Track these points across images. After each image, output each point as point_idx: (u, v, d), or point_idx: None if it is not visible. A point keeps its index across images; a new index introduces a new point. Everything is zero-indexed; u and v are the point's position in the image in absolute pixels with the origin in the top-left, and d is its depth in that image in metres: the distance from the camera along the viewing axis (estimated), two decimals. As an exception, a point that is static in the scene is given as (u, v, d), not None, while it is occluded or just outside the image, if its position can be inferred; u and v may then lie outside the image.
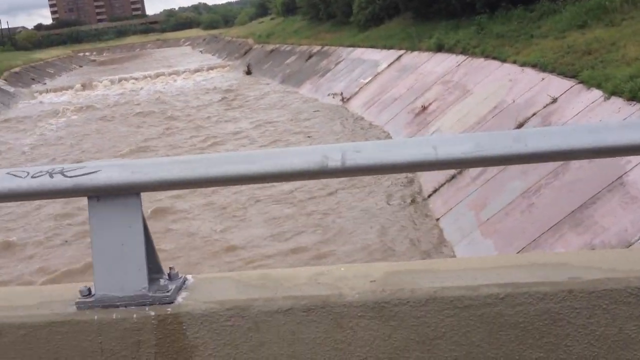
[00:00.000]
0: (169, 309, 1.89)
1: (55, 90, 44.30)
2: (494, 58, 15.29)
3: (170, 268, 2.00)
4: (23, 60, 63.85)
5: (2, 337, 1.93)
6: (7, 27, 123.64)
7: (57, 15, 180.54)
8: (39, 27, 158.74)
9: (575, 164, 7.41)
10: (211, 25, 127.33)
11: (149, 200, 12.06)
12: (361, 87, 22.32)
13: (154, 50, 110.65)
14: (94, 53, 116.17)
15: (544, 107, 10.28)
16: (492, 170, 8.94)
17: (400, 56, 22.19)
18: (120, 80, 46.21)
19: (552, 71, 11.73)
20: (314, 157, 1.83)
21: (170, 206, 12.15)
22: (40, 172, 1.92)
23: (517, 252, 7.00)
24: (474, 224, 8.40)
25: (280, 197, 11.82)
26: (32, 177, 1.91)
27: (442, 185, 10.55)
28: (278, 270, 2.23)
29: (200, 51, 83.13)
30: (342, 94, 22.71)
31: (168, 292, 1.91)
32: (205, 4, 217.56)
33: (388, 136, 16.07)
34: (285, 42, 42.84)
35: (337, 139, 16.67)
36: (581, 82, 10.19)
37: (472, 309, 1.79)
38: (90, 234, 1.92)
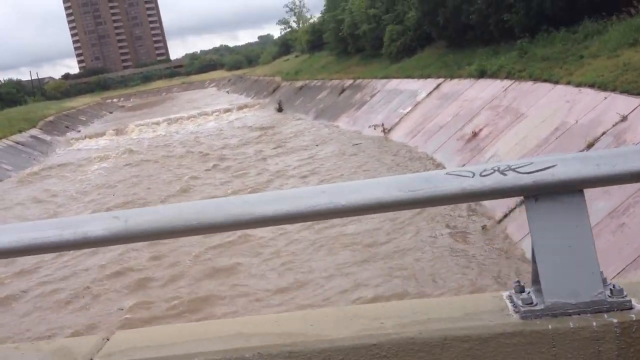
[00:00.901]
0: (632, 315, 1.75)
1: (90, 137, 44.79)
2: (545, 80, 15.16)
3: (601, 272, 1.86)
4: (55, 109, 65.03)
5: (446, 351, 1.81)
6: (36, 77, 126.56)
7: (84, 64, 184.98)
8: (67, 76, 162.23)
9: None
10: (235, 66, 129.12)
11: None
12: (402, 117, 22.29)
13: (180, 94, 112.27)
14: (122, 99, 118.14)
15: (614, 125, 10.09)
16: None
17: (439, 84, 22.16)
18: (152, 124, 46.64)
19: (613, 90, 11.56)
20: None
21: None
22: (486, 170, 1.82)
23: (617, 274, 6.77)
24: (559, 248, 8.18)
25: (341, 240, 11.66)
26: (482, 175, 1.80)
27: (512, 210, 10.36)
28: None
29: (227, 92, 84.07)
30: (382, 125, 22.68)
31: (626, 296, 1.78)
32: (226, 46, 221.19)
33: (439, 165, 15.92)
34: (315, 78, 43.16)
35: (390, 170, 16.55)
36: (650, 98, 10.02)
37: None
38: (532, 237, 1.81)
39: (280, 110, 41.41)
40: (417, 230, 11.07)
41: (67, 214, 17.61)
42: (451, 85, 21.09)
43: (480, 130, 15.59)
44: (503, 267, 8.99)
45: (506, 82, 17.33)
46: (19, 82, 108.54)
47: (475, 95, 18.49)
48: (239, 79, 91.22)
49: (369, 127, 23.70)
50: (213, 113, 47.99)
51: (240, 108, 49.34)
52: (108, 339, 2.04)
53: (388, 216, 11.58)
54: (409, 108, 22.52)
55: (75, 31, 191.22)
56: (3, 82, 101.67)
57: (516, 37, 20.38)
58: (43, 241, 1.87)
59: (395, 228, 11.30)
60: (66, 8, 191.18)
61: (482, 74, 19.45)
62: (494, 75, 18.59)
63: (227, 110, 48.71)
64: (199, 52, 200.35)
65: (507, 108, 15.61)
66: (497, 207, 10.88)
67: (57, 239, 1.85)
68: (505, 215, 10.52)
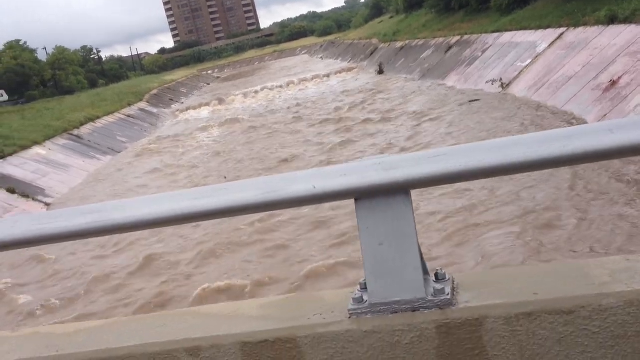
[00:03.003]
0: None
1: (194, 108, 45.67)
2: (693, 20, 13.95)
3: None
4: (158, 82, 67.03)
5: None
6: (137, 53, 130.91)
7: (178, 38, 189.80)
8: (163, 51, 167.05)
9: None
10: (325, 32, 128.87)
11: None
12: (521, 71, 21.29)
13: (273, 62, 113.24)
14: (216, 70, 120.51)
15: None
16: None
17: (561, 34, 20.93)
18: (253, 92, 47.04)
19: None
20: None
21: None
22: None
23: None
24: None
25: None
26: None
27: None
28: None
29: (320, 57, 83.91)
30: (500, 79, 21.77)
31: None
32: (314, 12, 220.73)
33: (574, 117, 15.05)
34: (416, 38, 42.09)
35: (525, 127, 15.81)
36: None
37: None
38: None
39: (381, 72, 40.78)
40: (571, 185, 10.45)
41: (199, 181, 17.98)
42: (576, 34, 19.86)
43: (620, 78, 14.58)
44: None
45: (644, 26, 16.10)
46: (120, 59, 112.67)
47: (607, 42, 17.30)
48: (331, 45, 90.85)
49: (486, 82, 22.81)
50: (313, 79, 47.89)
51: (338, 72, 49.10)
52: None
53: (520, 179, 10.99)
54: (529, 61, 21.46)
55: (169, 6, 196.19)
56: (106, 59, 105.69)
57: (648, -23, 18.93)
58: None
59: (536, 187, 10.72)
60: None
61: (612, 20, 18.16)
62: (627, 20, 17.30)
63: (326, 75, 48.54)
64: (286, 20, 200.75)
65: (650, 53, 14.50)
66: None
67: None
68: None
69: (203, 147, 25.11)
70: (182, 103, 53.79)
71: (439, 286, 1.83)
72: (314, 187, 1.85)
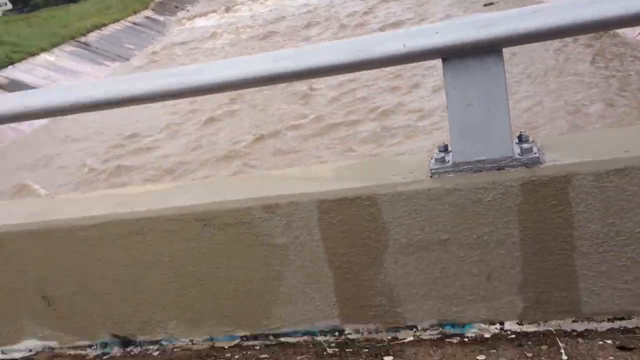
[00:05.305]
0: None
1: (200, 15, 44.56)
2: None
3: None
4: (162, -11, 65.15)
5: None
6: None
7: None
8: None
9: None
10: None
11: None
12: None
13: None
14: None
15: None
16: None
17: None
18: (261, -2, 45.53)
19: None
20: None
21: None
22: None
23: None
24: None
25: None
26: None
27: None
28: None
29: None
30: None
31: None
32: None
33: None
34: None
35: None
36: None
37: None
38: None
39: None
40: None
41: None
42: None
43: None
44: None
45: None
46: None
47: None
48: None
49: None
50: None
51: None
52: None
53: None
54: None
55: None
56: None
57: None
58: None
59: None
60: None
61: None
62: None
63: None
64: None
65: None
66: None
67: None
68: None
69: (214, 54, 24.56)
70: (188, 11, 52.45)
71: (526, 145, 1.81)
72: (404, 46, 1.78)
